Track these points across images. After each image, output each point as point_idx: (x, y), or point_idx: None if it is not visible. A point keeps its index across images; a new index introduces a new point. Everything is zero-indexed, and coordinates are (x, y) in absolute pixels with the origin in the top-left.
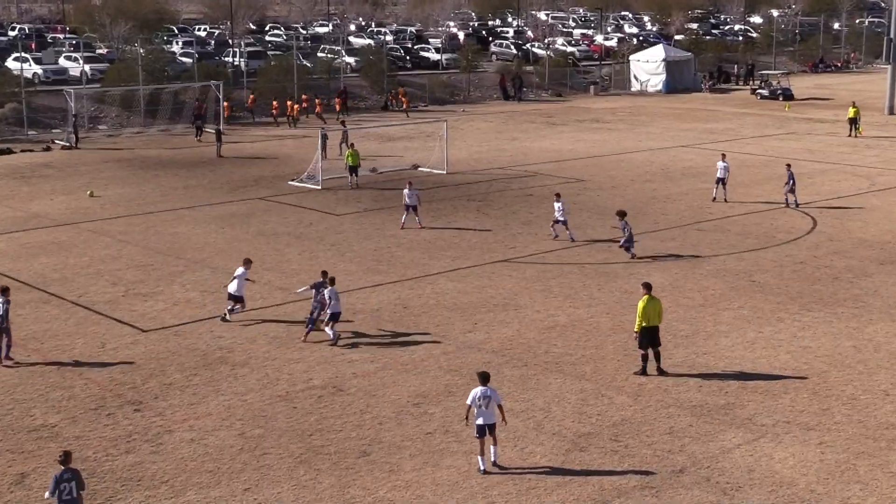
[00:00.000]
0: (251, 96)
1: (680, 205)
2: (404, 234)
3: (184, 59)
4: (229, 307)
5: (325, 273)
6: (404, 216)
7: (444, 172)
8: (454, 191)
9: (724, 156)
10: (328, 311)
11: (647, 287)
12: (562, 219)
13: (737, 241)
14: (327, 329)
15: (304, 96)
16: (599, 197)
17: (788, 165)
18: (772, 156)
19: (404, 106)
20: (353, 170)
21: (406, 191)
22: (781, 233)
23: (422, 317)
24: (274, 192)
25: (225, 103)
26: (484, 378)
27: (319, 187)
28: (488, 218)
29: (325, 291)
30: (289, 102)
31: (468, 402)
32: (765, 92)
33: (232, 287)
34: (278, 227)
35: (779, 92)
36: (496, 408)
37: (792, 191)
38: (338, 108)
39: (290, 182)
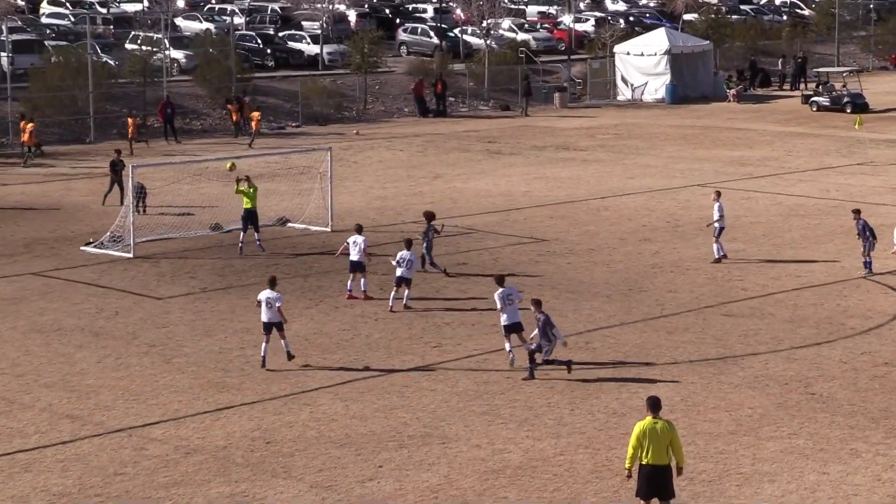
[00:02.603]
0: (23, 122)
1: (697, 276)
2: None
3: None
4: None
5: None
6: (359, 280)
7: (329, 230)
8: (344, 259)
9: (718, 194)
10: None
11: (653, 405)
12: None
13: (785, 331)
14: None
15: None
16: (571, 266)
17: (857, 212)
18: (835, 198)
19: (253, 128)
20: (250, 218)
21: (359, 239)
22: (854, 318)
23: (295, 457)
24: (57, 262)
25: (29, 125)
26: None
27: (131, 255)
28: (398, 300)
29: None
30: (25, 125)
31: None
32: (823, 100)
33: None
34: (65, 318)
35: (845, 100)
36: None
37: (869, 249)
38: (131, 133)
39: (83, 248)
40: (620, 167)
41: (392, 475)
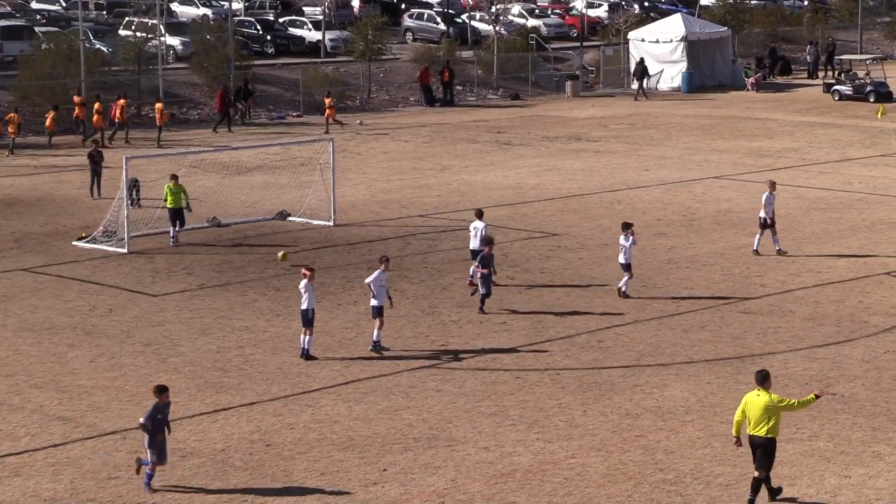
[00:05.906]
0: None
1: (713, 271)
2: (265, 327)
3: None
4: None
5: None
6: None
7: (331, 224)
8: (346, 254)
9: (773, 184)
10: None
11: (759, 378)
12: (623, 261)
13: (805, 329)
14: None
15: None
16: (583, 262)
17: None
18: (858, 191)
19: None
20: (176, 217)
21: (479, 225)
22: (877, 315)
23: (297, 460)
24: (49, 258)
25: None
26: None
27: (125, 251)
28: (404, 297)
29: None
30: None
31: None
32: (846, 89)
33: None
34: (56, 316)
35: (868, 89)
36: None
37: None
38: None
39: (75, 242)
40: (634, 159)
41: (397, 479)
